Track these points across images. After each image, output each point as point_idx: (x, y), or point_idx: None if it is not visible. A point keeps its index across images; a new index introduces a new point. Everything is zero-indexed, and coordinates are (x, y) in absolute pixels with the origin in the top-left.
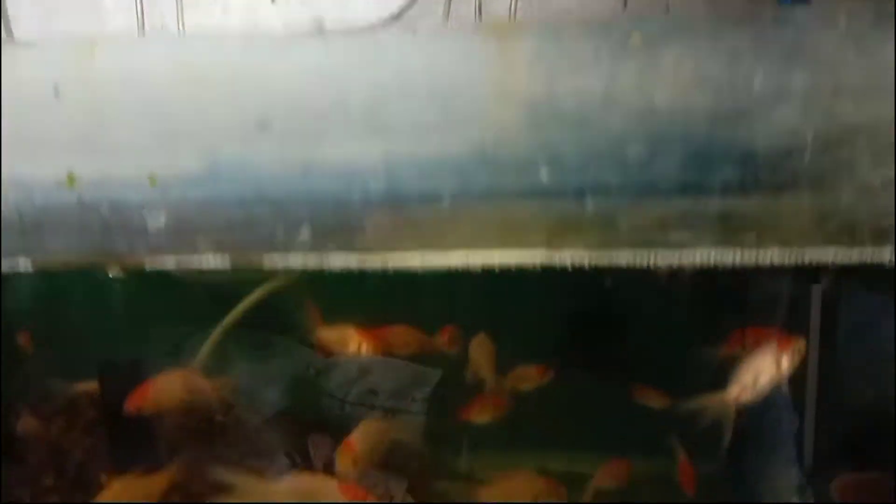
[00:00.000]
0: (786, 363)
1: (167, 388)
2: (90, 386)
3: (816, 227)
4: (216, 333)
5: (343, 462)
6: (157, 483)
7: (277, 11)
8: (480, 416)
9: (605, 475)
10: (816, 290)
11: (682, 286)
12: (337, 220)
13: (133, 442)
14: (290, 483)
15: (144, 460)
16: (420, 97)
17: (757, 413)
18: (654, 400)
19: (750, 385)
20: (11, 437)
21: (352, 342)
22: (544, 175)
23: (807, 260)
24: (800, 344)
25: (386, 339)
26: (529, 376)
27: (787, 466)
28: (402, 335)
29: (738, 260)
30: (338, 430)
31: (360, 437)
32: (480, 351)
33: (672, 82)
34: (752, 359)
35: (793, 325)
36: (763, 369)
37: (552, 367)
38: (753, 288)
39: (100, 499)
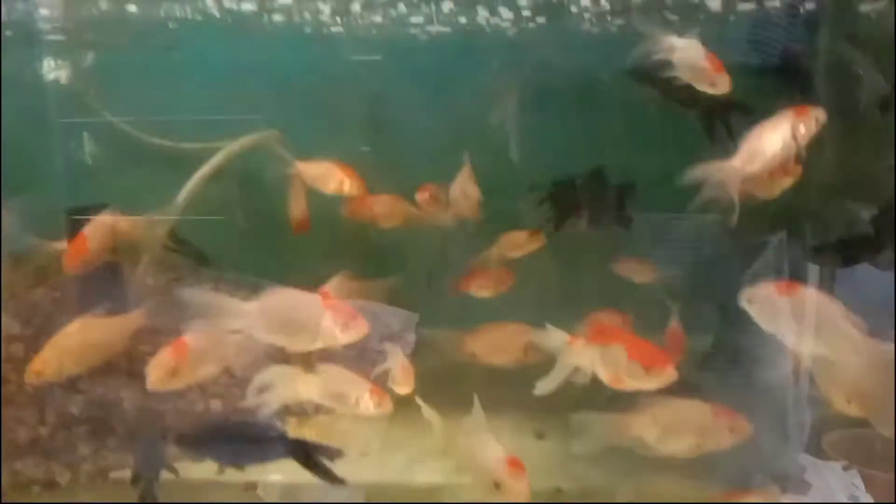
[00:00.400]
0: (802, 131)
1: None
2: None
3: None
4: (193, 182)
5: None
6: (120, 325)
7: None
8: (483, 289)
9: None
10: None
11: None
12: None
13: (102, 289)
14: (269, 299)
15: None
16: None
17: None
18: (638, 273)
19: (759, 153)
20: None
21: (333, 179)
22: None
23: None
24: (818, 113)
25: (370, 209)
26: (519, 242)
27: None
28: (387, 203)
29: None
30: None
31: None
32: (462, 186)
33: None
34: (763, 125)
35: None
36: (775, 136)
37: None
38: None
39: (59, 339)
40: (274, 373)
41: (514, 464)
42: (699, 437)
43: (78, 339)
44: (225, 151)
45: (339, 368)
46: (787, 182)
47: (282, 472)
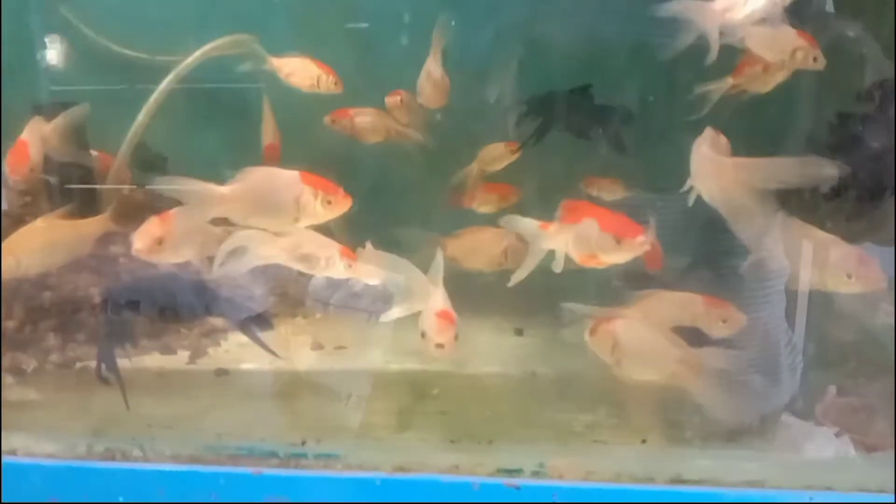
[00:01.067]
0: None
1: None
2: None
3: None
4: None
5: None
6: (86, 228)
7: None
8: (485, 205)
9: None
10: None
11: None
12: None
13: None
14: (246, 179)
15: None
16: None
17: None
18: (607, 190)
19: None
20: None
21: (308, 73)
22: None
23: None
24: None
25: (352, 120)
26: (496, 154)
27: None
28: (370, 115)
29: None
30: None
31: None
32: (429, 69)
33: None
34: None
35: None
36: None
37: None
38: None
39: (17, 237)
40: (243, 236)
41: (444, 316)
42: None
43: (39, 239)
44: (199, 52)
45: (308, 231)
46: (780, 76)
47: (253, 362)
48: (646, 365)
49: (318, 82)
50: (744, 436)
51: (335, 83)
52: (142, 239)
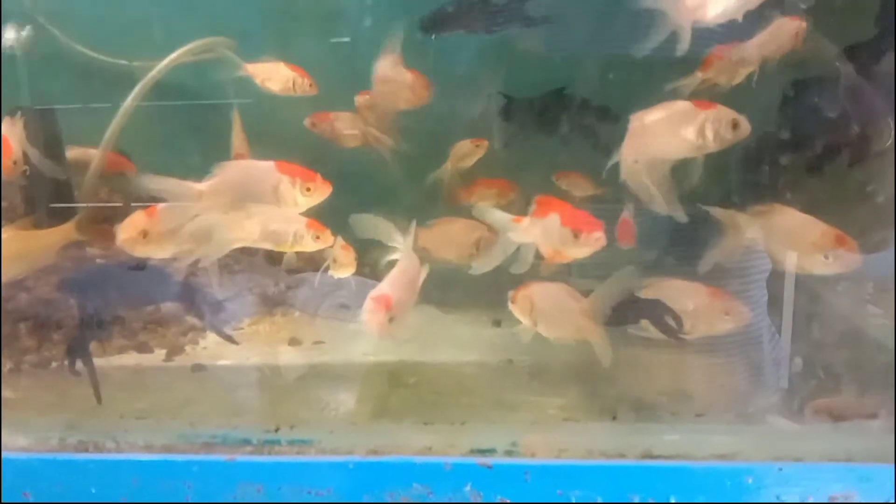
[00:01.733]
0: None
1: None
2: None
3: None
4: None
5: None
6: (48, 238)
7: None
8: (483, 199)
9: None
10: None
11: None
12: None
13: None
14: (222, 174)
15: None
16: None
17: None
18: (577, 186)
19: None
20: None
21: (282, 77)
22: None
23: None
24: None
25: (332, 124)
26: (466, 151)
27: None
28: (349, 120)
29: None
30: None
31: None
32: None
33: None
34: None
35: None
36: None
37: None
38: None
39: None
40: (206, 221)
41: (378, 299)
42: (692, 318)
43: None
44: (174, 55)
45: (272, 208)
46: (748, 68)
47: (230, 358)
48: (558, 322)
49: (293, 85)
50: None
51: (310, 85)
52: (127, 230)
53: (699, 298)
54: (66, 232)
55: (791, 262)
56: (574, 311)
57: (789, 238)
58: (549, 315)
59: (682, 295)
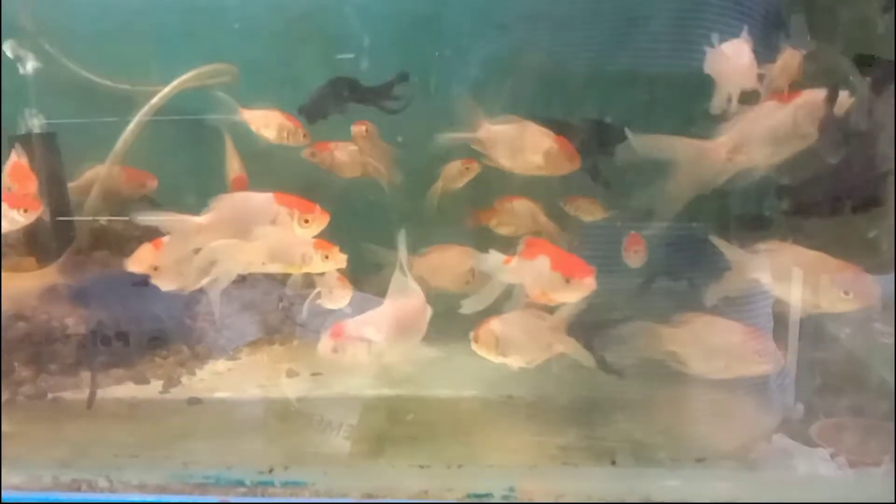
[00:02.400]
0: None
1: None
2: None
3: None
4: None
5: None
6: (29, 281)
7: None
8: (502, 226)
9: None
10: None
11: None
12: None
13: None
14: (220, 206)
15: None
16: None
17: None
18: (588, 211)
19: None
20: None
21: (276, 126)
22: None
23: None
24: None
25: (331, 154)
26: (456, 172)
27: None
28: (347, 151)
29: None
30: None
31: None
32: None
33: None
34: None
35: None
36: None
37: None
38: None
39: None
40: (214, 249)
41: (334, 332)
42: (726, 358)
43: None
44: (176, 82)
45: (279, 230)
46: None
47: (227, 391)
48: (528, 347)
49: (287, 136)
50: None
51: (304, 135)
52: (137, 265)
53: (735, 337)
54: (47, 275)
55: (798, 299)
56: (542, 330)
57: (803, 276)
58: (517, 343)
59: (718, 333)
